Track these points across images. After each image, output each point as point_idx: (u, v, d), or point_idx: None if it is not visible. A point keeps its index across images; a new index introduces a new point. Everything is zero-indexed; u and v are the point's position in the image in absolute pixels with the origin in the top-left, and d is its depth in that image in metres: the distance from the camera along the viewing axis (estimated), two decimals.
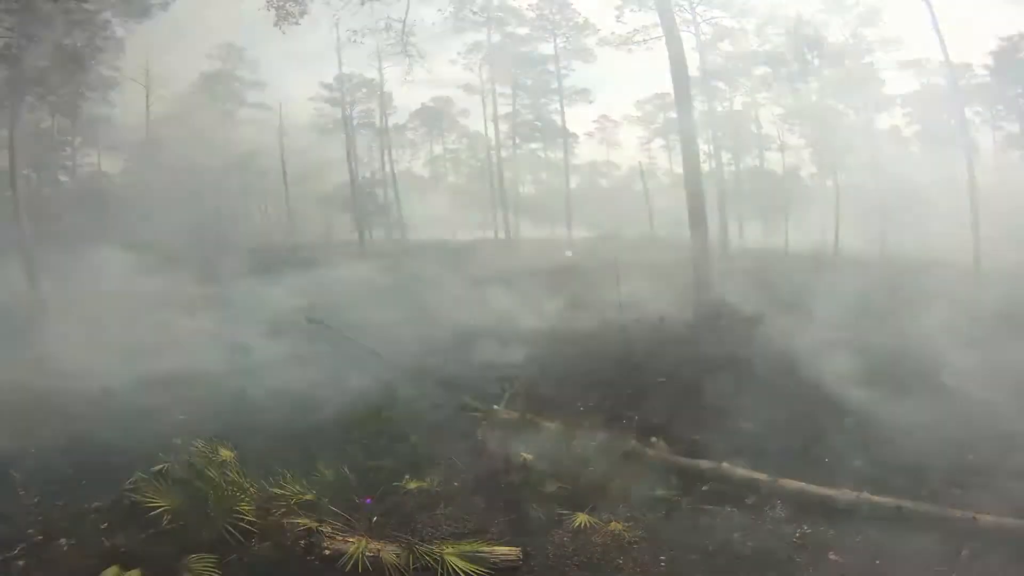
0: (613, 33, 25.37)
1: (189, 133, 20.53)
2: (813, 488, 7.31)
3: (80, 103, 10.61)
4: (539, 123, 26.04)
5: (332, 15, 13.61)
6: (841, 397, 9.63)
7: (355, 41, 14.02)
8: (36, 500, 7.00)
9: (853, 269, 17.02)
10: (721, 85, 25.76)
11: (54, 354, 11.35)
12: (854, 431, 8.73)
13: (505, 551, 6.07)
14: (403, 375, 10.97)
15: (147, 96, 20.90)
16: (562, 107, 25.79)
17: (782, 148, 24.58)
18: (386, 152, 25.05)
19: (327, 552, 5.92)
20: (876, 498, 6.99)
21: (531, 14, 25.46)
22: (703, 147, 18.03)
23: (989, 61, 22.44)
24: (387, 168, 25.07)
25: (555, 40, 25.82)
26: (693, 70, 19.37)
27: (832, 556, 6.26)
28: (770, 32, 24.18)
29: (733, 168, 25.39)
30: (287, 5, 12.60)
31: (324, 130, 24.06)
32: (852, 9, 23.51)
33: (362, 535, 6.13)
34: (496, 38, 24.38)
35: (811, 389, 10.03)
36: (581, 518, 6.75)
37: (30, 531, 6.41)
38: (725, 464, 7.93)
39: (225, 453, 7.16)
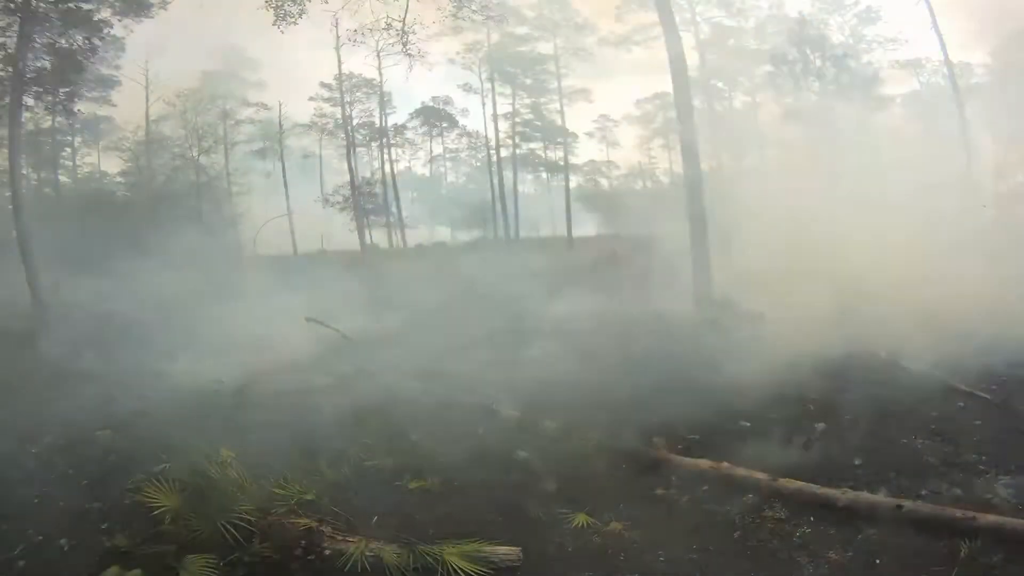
0: (612, 32, 25.46)
1: (189, 133, 20.59)
2: (812, 487, 7.32)
3: (80, 103, 10.57)
4: (539, 123, 26.07)
5: (331, 15, 13.57)
6: None
7: (355, 41, 13.97)
8: (36, 500, 7.01)
9: None
10: (721, 85, 25.85)
11: None
12: None
13: (505, 551, 6.07)
14: None
15: (147, 96, 21.02)
16: (562, 107, 25.84)
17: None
18: (386, 152, 25.09)
19: (327, 552, 5.92)
20: (875, 497, 7.00)
21: (531, 13, 25.54)
22: (703, 146, 18.01)
23: (989, 60, 22.51)
24: (387, 168, 25.11)
25: (555, 40, 25.86)
26: (693, 70, 19.41)
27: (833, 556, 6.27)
28: (770, 31, 24.25)
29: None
30: (285, 5, 12.59)
31: (324, 130, 24.11)
32: (851, 8, 23.59)
33: (362, 535, 6.13)
34: (496, 38, 24.43)
35: None
36: (581, 518, 6.75)
37: (30, 531, 6.42)
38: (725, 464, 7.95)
39: (225, 452, 7.16)
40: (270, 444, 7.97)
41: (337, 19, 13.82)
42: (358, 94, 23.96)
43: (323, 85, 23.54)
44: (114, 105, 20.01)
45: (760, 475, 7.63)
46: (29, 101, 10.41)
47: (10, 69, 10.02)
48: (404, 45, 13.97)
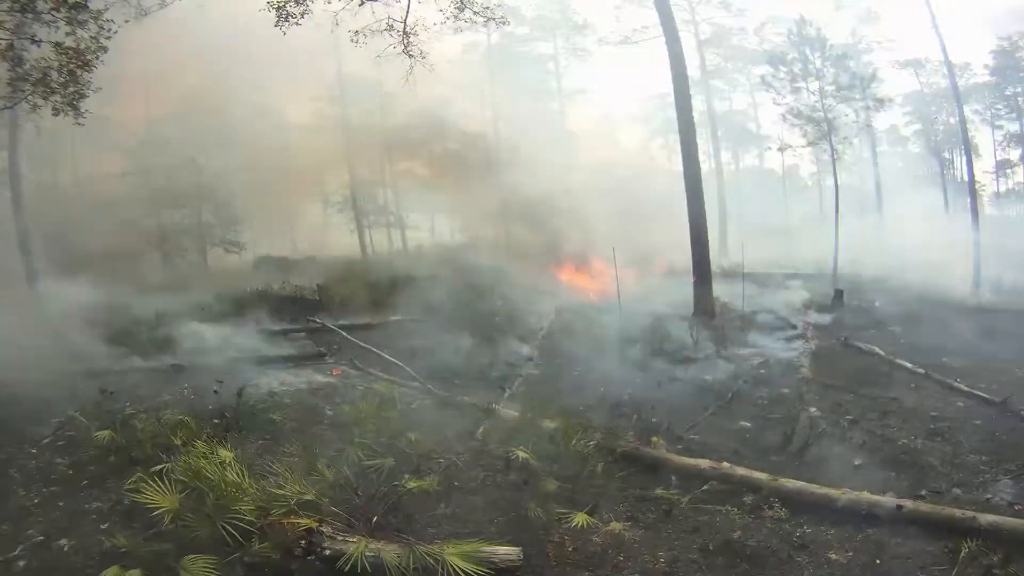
0: (612, 32, 25.49)
1: (189, 133, 20.57)
2: (812, 487, 7.33)
3: (80, 103, 10.55)
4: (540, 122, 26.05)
5: (333, 15, 13.53)
6: None
7: (356, 42, 13.94)
8: (36, 500, 7.00)
9: None
10: (720, 84, 25.89)
11: None
12: None
13: (505, 551, 6.06)
14: None
15: (147, 96, 21.00)
16: (562, 107, 25.84)
17: (782, 148, 24.61)
18: (385, 152, 25.06)
19: (327, 552, 5.91)
20: (876, 497, 7.00)
21: (531, 14, 25.57)
22: (702, 146, 18.06)
23: (989, 60, 22.53)
24: (387, 168, 25.08)
25: (555, 40, 25.89)
26: (693, 69, 19.43)
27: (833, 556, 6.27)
28: (770, 31, 24.28)
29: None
30: (287, 5, 12.55)
31: (325, 130, 24.08)
32: (851, 8, 23.61)
33: (362, 535, 6.12)
34: (496, 38, 24.45)
35: None
36: (580, 518, 6.74)
37: (30, 531, 6.42)
38: (725, 464, 7.97)
39: (225, 453, 7.15)
40: None
41: (337, 20, 13.73)
42: (358, 94, 23.95)
43: (323, 85, 23.55)
44: (114, 106, 20.07)
45: (760, 475, 7.64)
46: (38, 101, 10.34)
47: (18, 69, 9.95)
48: (405, 47, 13.95)
